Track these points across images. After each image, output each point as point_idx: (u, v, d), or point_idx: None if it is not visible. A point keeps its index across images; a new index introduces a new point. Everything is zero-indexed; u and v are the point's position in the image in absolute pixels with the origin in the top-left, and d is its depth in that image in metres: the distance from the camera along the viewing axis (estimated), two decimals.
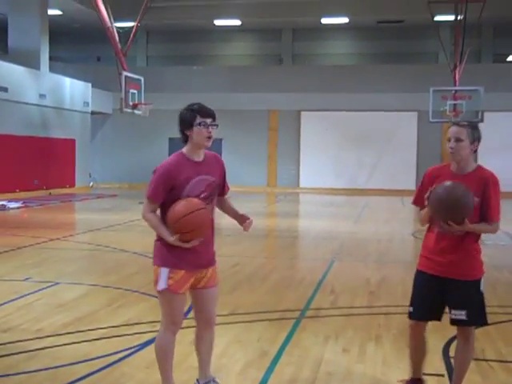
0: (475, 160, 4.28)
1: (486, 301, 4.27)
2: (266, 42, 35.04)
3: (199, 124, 4.04)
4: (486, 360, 5.33)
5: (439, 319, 4.31)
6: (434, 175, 4.28)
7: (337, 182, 29.79)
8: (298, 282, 8.60)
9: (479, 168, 4.22)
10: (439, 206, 4.03)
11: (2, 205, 18.62)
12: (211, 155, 4.26)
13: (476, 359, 5.32)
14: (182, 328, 6.04)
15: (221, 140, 30.49)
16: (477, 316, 4.20)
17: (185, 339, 5.69)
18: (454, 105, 25.21)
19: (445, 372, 4.93)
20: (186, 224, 3.89)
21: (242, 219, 4.29)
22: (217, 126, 4.11)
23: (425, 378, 4.54)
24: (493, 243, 11.95)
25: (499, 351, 5.58)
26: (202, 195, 4.07)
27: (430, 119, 25.43)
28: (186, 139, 4.13)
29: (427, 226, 4.33)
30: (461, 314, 4.15)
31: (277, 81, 30.22)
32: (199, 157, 4.14)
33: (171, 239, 3.96)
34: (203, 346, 4.34)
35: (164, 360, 4.21)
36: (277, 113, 30.43)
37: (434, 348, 5.18)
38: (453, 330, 5.98)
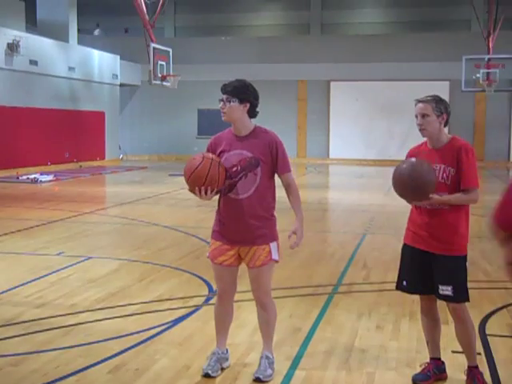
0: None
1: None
2: (295, 12, 34.63)
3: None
4: None
5: (434, 293, 4.22)
6: (414, 154, 4.29)
7: (367, 152, 29.52)
8: (330, 256, 8.54)
9: (453, 139, 4.20)
10: (396, 186, 4.11)
11: (34, 178, 18.79)
12: (262, 132, 4.28)
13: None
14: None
15: None
16: (461, 292, 4.13)
17: None
18: (487, 73, 24.71)
19: (481, 350, 4.83)
20: (189, 180, 4.07)
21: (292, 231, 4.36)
22: (229, 101, 4.17)
23: (462, 355, 4.45)
24: None
25: None
26: (234, 169, 4.17)
27: (463, 88, 25.00)
28: None
29: None
30: (447, 290, 4.09)
31: (306, 51, 29.88)
32: (240, 132, 4.25)
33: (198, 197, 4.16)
34: (259, 323, 4.57)
35: (215, 324, 4.53)
36: (306, 83, 30.13)
37: None
38: (490, 306, 5.90)
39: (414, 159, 4.14)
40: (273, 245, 4.29)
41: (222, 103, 4.19)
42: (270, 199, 4.31)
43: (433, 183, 4.02)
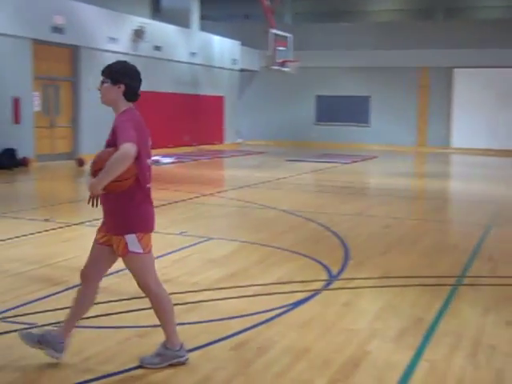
0: None
1: None
2: None
3: None
4: None
5: None
6: None
7: (491, 142, 28.31)
8: (453, 247, 8.25)
9: None
10: None
11: (156, 160, 19.40)
12: (119, 115, 4.03)
13: None
14: (335, 289, 6.02)
15: (368, 98, 29.93)
16: None
17: (338, 301, 5.65)
18: None
19: None
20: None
21: None
22: (103, 82, 4.03)
23: None
24: None
25: None
26: None
27: None
28: None
29: None
30: None
31: (428, 36, 28.97)
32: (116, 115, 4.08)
33: None
34: None
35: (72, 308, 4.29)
36: (427, 70, 29.26)
37: None
38: None
39: None
40: (129, 237, 3.97)
41: (99, 84, 4.06)
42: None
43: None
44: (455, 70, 28.80)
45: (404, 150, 28.70)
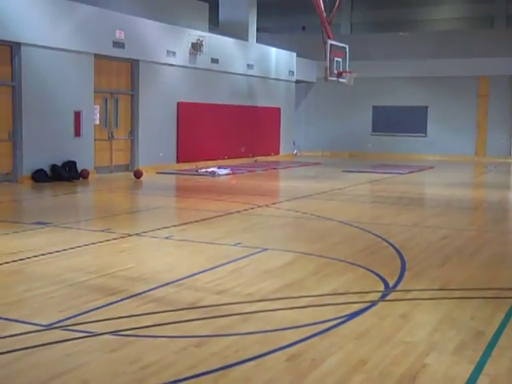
0: None
1: None
2: (477, 4, 33.07)
3: None
4: None
5: None
6: None
7: None
8: None
9: None
10: None
11: (212, 171, 19.55)
12: None
13: None
14: (392, 301, 5.94)
15: (426, 108, 29.51)
16: None
17: (395, 312, 5.56)
18: None
19: None
20: None
21: None
22: None
23: None
24: None
25: None
26: None
27: None
28: None
29: None
30: None
31: (489, 45, 28.42)
32: None
33: None
34: None
35: None
36: (488, 79, 28.69)
37: None
38: None
39: None
40: None
41: None
42: None
43: None
44: None
45: (462, 159, 28.17)
